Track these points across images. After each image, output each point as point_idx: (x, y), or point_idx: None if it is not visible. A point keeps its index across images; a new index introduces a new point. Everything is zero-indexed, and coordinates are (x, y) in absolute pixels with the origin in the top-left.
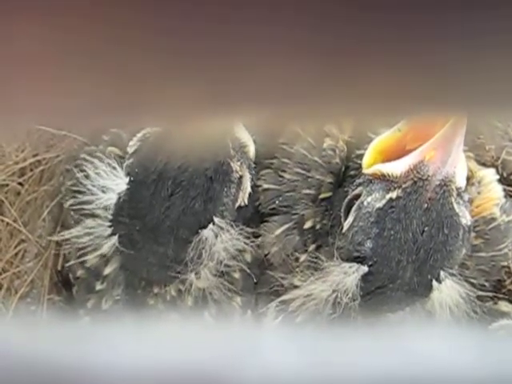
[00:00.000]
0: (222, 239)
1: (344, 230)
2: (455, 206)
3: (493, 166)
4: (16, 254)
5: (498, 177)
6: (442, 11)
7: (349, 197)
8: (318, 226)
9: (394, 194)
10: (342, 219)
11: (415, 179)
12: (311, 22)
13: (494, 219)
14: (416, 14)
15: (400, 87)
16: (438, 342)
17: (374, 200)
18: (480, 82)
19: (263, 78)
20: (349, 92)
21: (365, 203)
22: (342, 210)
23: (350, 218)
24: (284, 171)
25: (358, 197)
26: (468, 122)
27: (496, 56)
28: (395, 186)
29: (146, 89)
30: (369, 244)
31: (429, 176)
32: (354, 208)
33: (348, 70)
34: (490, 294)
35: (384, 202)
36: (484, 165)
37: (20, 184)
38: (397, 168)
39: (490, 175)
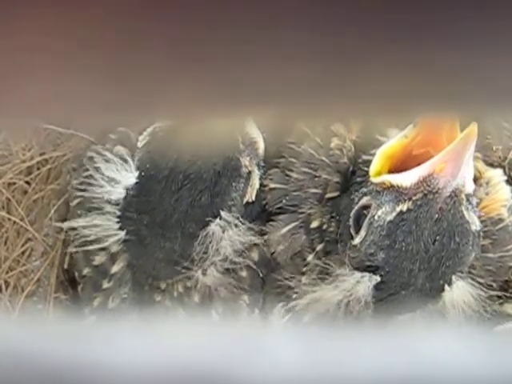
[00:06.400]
0: (228, 235)
1: (355, 243)
2: (465, 213)
3: (500, 166)
4: (23, 253)
5: (505, 177)
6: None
7: (356, 207)
8: (324, 226)
9: (404, 207)
10: (352, 230)
11: (425, 192)
12: (318, 23)
13: (501, 220)
14: (427, 13)
15: (407, 86)
16: (448, 342)
17: (384, 213)
18: (488, 80)
19: (271, 78)
20: (356, 91)
21: (376, 217)
22: (351, 221)
23: (362, 232)
24: (291, 170)
25: (366, 207)
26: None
27: (505, 55)
28: (405, 198)
29: (157, 87)
30: (381, 255)
31: (439, 189)
32: (365, 222)
33: (356, 70)
34: (498, 294)
35: (395, 214)
36: (492, 165)
37: (27, 183)
38: (406, 180)
39: (497, 176)
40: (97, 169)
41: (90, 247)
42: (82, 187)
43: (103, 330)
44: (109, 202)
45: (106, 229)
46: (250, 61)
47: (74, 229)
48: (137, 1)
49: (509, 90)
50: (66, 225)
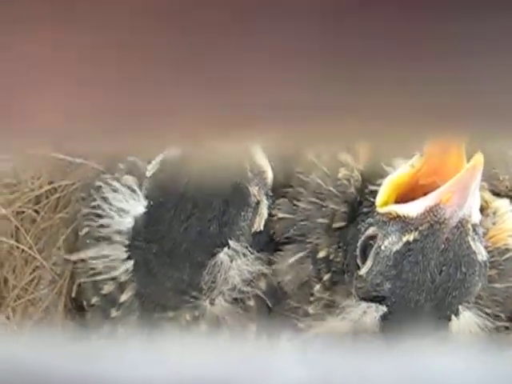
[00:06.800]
0: (237, 264)
1: (362, 273)
2: (471, 243)
3: (507, 196)
4: (31, 281)
5: None
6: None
7: (363, 238)
8: (331, 256)
9: (410, 237)
10: (359, 261)
11: (432, 222)
12: (325, 44)
13: (508, 250)
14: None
15: (413, 110)
16: (455, 362)
17: (391, 243)
18: (495, 103)
19: (274, 102)
20: (361, 114)
21: (382, 247)
22: (358, 252)
23: (369, 263)
24: (299, 200)
25: (372, 238)
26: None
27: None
28: (411, 228)
29: (160, 113)
30: (387, 285)
31: (445, 219)
32: (371, 252)
33: (361, 93)
34: (505, 325)
35: (401, 245)
36: (498, 195)
37: (36, 211)
38: (413, 210)
39: (504, 206)
40: (105, 199)
41: (99, 278)
42: (90, 217)
43: (112, 350)
44: (117, 231)
45: (114, 259)
46: (256, 85)
47: (82, 260)
48: (145, 24)
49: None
50: (74, 257)
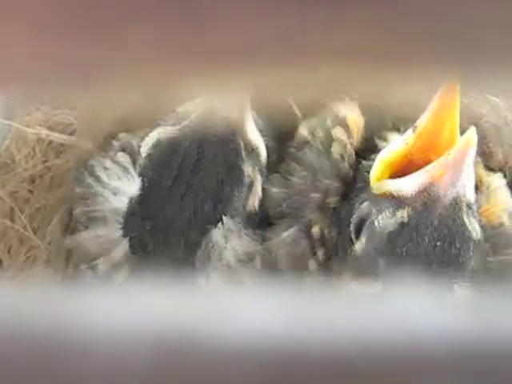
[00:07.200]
0: (231, 241)
1: (356, 249)
2: (466, 220)
3: (501, 171)
4: (26, 261)
5: (506, 182)
6: None
7: (357, 214)
8: (325, 232)
9: (404, 213)
10: (353, 236)
11: (425, 200)
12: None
13: (502, 224)
14: None
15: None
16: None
17: (384, 219)
18: (472, 47)
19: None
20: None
21: (376, 223)
22: (352, 227)
23: (363, 239)
24: (292, 175)
25: (366, 213)
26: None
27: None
28: (405, 204)
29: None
30: (381, 261)
31: (439, 196)
32: (364, 228)
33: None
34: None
35: (395, 221)
36: (492, 170)
37: (30, 191)
38: (406, 187)
39: (498, 180)
40: (98, 178)
41: (95, 262)
42: (84, 196)
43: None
44: (111, 211)
45: (109, 239)
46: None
47: (77, 243)
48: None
49: (496, 56)
50: (69, 241)
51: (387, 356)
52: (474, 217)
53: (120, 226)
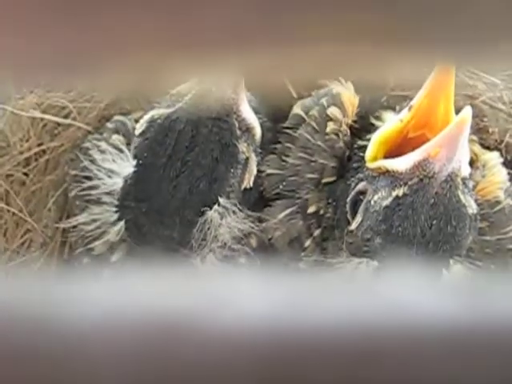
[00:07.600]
0: (227, 221)
1: (352, 228)
2: (461, 197)
3: (497, 149)
4: (22, 244)
5: (502, 160)
6: None
7: (353, 193)
8: (321, 212)
9: (400, 192)
10: (349, 215)
11: (421, 177)
12: None
13: (498, 202)
14: None
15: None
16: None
17: (380, 198)
18: (468, 27)
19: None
20: (333, 35)
21: (372, 202)
22: (348, 207)
23: (359, 218)
24: (287, 156)
25: (362, 193)
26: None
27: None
28: (401, 182)
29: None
30: (378, 240)
31: (435, 173)
32: (361, 207)
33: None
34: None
35: (391, 199)
36: (488, 148)
37: (25, 174)
38: (401, 164)
39: (494, 158)
40: (93, 160)
41: (92, 245)
42: (79, 178)
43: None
44: (106, 192)
45: (104, 222)
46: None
47: (74, 226)
48: None
49: (488, 36)
50: (65, 224)
51: (383, 335)
52: (470, 193)
53: (115, 209)
